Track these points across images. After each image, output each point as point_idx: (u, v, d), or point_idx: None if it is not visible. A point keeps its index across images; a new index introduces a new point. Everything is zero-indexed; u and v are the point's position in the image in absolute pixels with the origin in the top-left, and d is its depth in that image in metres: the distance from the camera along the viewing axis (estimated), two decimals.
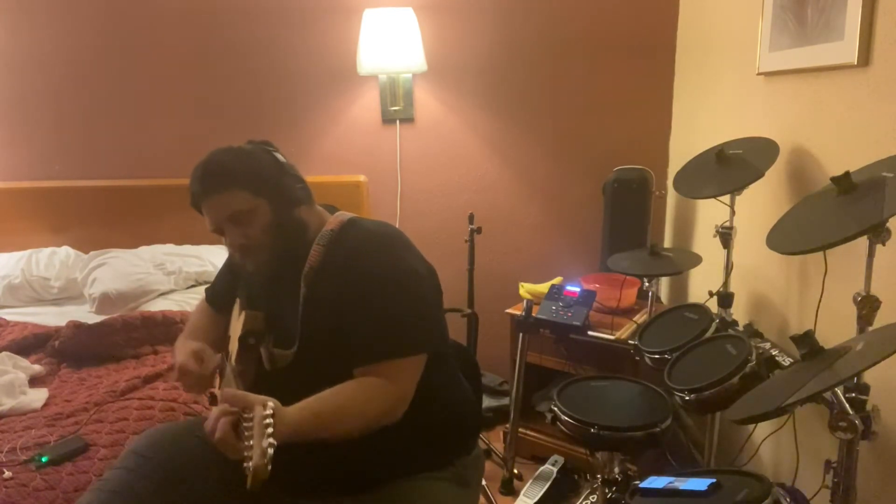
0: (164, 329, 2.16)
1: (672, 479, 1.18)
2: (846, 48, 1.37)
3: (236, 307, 1.47)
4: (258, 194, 1.24)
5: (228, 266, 1.55)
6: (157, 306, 2.39)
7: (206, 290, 1.63)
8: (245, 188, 1.23)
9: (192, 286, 2.61)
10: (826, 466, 1.11)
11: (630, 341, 1.99)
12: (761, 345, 1.50)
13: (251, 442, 0.92)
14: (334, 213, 1.38)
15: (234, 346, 1.36)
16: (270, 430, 0.94)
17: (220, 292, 1.56)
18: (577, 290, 2.23)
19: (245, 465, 0.91)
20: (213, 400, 1.44)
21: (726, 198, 1.72)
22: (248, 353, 1.33)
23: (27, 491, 1.41)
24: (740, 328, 1.67)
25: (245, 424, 0.97)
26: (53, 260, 2.68)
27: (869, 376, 1.14)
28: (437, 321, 1.35)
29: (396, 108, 2.78)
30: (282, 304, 1.32)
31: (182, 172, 2.86)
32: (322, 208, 1.39)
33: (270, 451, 0.91)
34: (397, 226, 2.91)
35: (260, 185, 1.24)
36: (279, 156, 1.31)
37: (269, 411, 0.97)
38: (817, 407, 1.19)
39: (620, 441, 1.61)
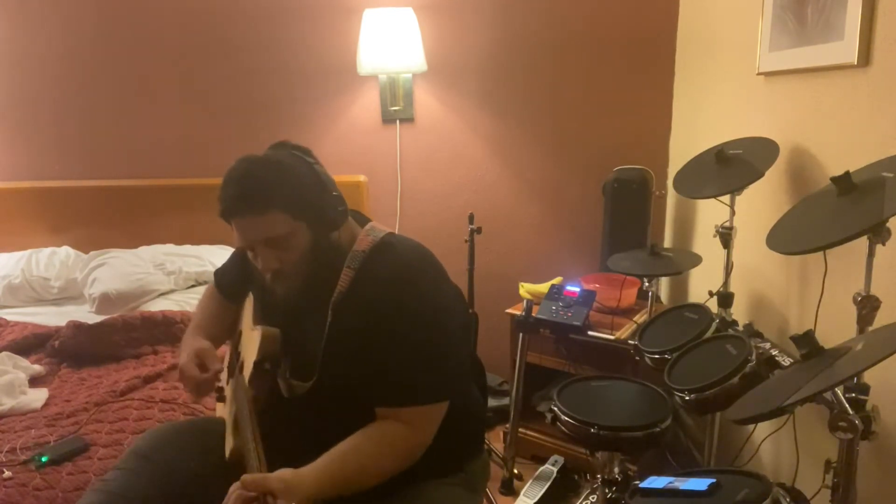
0: (164, 329, 2.16)
1: (672, 479, 1.18)
2: (846, 48, 1.37)
3: (249, 302, 1.44)
4: (298, 217, 1.15)
5: (242, 255, 1.45)
6: (157, 306, 2.39)
7: (216, 273, 1.56)
8: (286, 211, 1.13)
9: (192, 286, 2.61)
10: (826, 466, 1.11)
11: (630, 341, 1.99)
12: (761, 345, 1.50)
13: None
14: (364, 224, 1.29)
15: (247, 357, 1.33)
16: None
17: (232, 281, 1.50)
18: (577, 290, 2.23)
19: None
20: (221, 396, 1.43)
21: (726, 198, 1.72)
22: (263, 378, 1.27)
23: (27, 491, 1.41)
24: (740, 328, 1.67)
25: None
26: (53, 260, 2.68)
27: (869, 376, 1.14)
28: (464, 362, 1.32)
29: (396, 108, 2.78)
30: (304, 328, 1.26)
31: (182, 172, 2.90)
32: (352, 219, 1.29)
33: None
34: (397, 226, 2.93)
35: (301, 209, 1.15)
36: (319, 168, 1.21)
37: None
38: (817, 407, 1.19)
39: (620, 441, 1.61)
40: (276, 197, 1.13)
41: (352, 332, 1.18)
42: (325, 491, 1.05)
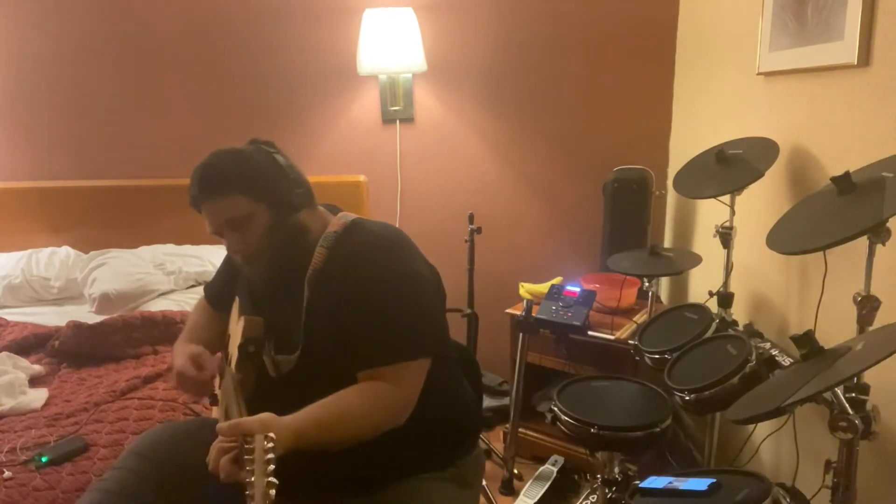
0: (164, 329, 2.16)
1: (672, 479, 1.18)
2: (846, 48, 1.37)
3: (236, 305, 1.47)
4: (256, 199, 1.23)
5: (227, 264, 1.54)
6: (157, 306, 2.39)
7: (205, 287, 1.62)
8: (243, 193, 1.22)
9: (192, 286, 2.61)
10: (826, 466, 1.11)
11: (630, 341, 1.99)
12: (761, 345, 1.50)
13: (252, 478, 0.89)
14: (337, 213, 1.36)
15: (233, 349, 1.36)
16: (272, 466, 0.91)
17: (219, 290, 1.55)
18: (577, 290, 2.23)
19: (247, 493, 0.89)
20: (214, 399, 1.44)
21: (726, 198, 1.72)
22: (248, 361, 1.30)
23: (27, 491, 1.41)
24: (740, 328, 1.67)
25: (247, 456, 0.94)
26: (53, 260, 2.68)
27: (869, 376, 1.14)
28: (440, 325, 1.35)
29: (396, 108, 2.78)
30: (284, 308, 1.30)
31: (182, 172, 2.87)
32: (324, 209, 1.37)
33: (272, 491, 0.88)
34: (397, 226, 2.92)
35: (258, 191, 1.23)
36: (280, 157, 1.28)
37: (269, 444, 0.93)
38: (817, 407, 1.19)
39: (620, 441, 1.61)
40: (234, 180, 1.22)
41: (329, 304, 1.23)
42: (305, 431, 1.06)
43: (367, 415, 1.15)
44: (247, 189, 1.22)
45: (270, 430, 0.98)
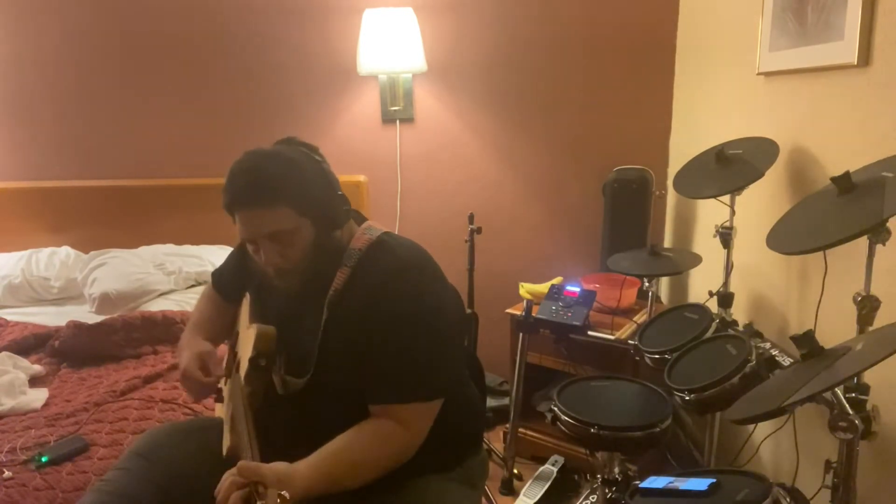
0: (164, 329, 2.16)
1: (672, 479, 1.18)
2: (846, 48, 1.37)
3: (247, 301, 1.44)
4: (304, 214, 1.15)
5: (239, 253, 1.47)
6: (157, 306, 2.39)
7: (214, 274, 1.56)
8: (292, 206, 1.14)
9: (192, 286, 2.61)
10: (826, 466, 1.11)
11: (630, 341, 1.99)
12: (761, 345, 1.50)
13: None
14: (361, 223, 1.31)
15: (243, 354, 1.34)
16: None
17: (230, 280, 1.50)
18: (577, 290, 2.23)
19: None
20: (220, 396, 1.43)
21: (726, 198, 1.72)
22: (258, 374, 1.27)
23: (27, 491, 1.41)
24: (740, 328, 1.67)
25: (259, 502, 0.94)
26: (53, 260, 2.68)
27: (869, 376, 1.15)
28: (459, 362, 1.32)
29: (396, 107, 2.78)
30: (300, 326, 1.26)
31: (182, 172, 2.90)
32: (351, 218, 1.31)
33: None
34: (397, 226, 2.92)
35: (307, 205, 1.15)
36: (325, 167, 1.22)
37: None
38: (817, 407, 1.19)
39: (620, 441, 1.61)
40: (284, 191, 1.13)
41: (346, 330, 1.19)
42: (317, 486, 1.05)
43: (377, 463, 1.13)
44: (297, 202, 1.14)
45: (285, 487, 0.97)
